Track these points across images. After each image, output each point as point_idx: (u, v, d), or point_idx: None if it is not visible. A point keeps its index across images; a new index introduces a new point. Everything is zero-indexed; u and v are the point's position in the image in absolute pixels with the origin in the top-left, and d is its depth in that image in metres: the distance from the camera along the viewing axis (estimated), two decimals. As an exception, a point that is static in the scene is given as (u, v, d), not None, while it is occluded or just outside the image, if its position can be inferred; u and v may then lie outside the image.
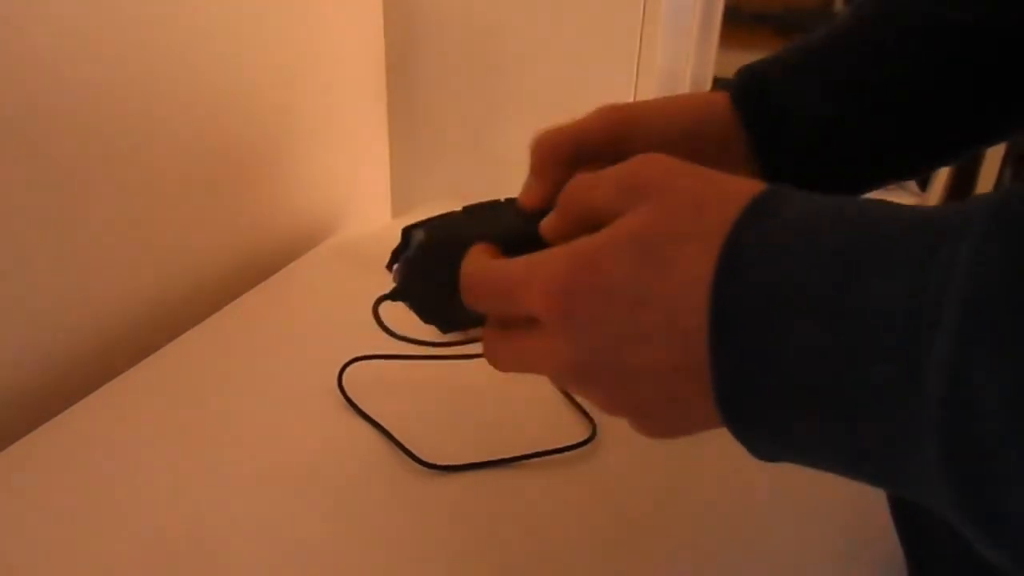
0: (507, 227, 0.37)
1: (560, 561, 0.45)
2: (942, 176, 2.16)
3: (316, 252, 0.85)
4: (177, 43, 0.67)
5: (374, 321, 0.40)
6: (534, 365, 0.32)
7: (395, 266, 0.39)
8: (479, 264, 0.34)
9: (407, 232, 0.39)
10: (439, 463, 0.51)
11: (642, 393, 0.29)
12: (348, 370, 0.59)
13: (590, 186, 0.31)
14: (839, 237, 0.24)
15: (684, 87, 1.12)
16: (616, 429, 0.54)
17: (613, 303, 0.28)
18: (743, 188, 0.27)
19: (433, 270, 0.37)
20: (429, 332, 0.41)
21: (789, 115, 0.41)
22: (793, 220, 0.26)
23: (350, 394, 0.57)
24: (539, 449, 0.52)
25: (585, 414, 0.57)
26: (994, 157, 2.04)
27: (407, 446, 0.52)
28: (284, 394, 0.59)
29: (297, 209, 0.89)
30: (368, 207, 1.07)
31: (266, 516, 0.47)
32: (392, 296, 0.39)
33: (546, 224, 0.34)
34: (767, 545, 0.46)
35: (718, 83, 0.46)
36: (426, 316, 0.39)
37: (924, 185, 2.19)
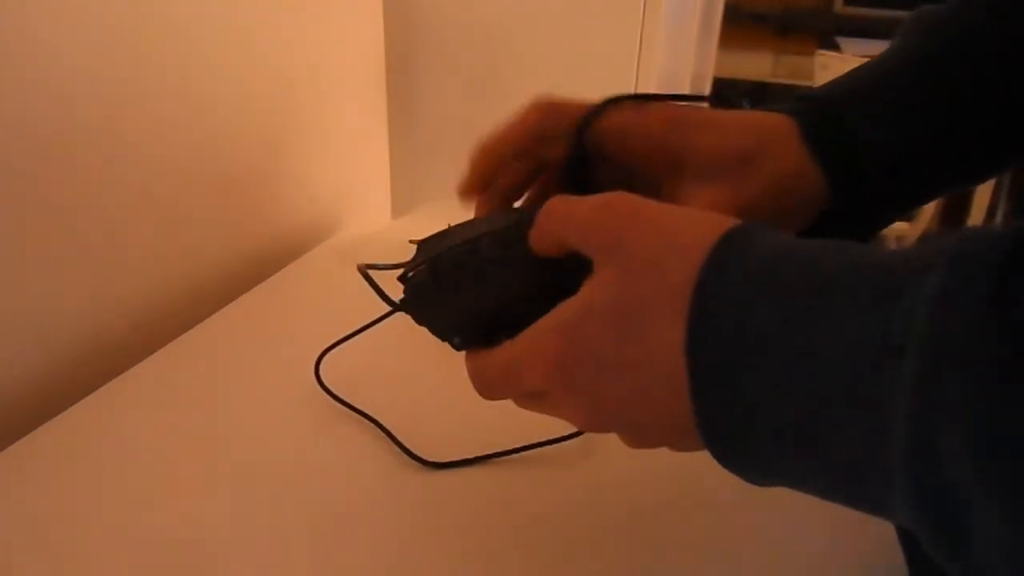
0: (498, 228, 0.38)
1: (558, 555, 0.45)
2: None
3: (316, 252, 0.85)
4: (177, 43, 0.67)
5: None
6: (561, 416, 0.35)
7: (408, 275, 0.40)
8: (480, 361, 0.36)
9: (421, 246, 0.40)
10: (433, 459, 0.51)
11: (656, 436, 0.32)
12: (341, 368, 0.59)
13: (563, 221, 0.33)
14: (801, 282, 0.26)
15: (684, 87, 1.12)
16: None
17: (603, 370, 0.30)
18: (701, 237, 0.29)
19: (441, 297, 0.39)
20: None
21: (866, 154, 0.40)
22: (755, 268, 0.27)
23: (346, 393, 0.57)
24: (533, 441, 0.52)
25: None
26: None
27: (402, 442, 0.52)
28: (284, 394, 0.59)
29: (297, 209, 0.89)
30: (368, 207, 1.07)
31: (266, 516, 0.47)
32: (406, 310, 0.41)
33: (533, 242, 0.36)
34: (766, 538, 0.46)
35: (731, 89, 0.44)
36: (442, 336, 0.40)
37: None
